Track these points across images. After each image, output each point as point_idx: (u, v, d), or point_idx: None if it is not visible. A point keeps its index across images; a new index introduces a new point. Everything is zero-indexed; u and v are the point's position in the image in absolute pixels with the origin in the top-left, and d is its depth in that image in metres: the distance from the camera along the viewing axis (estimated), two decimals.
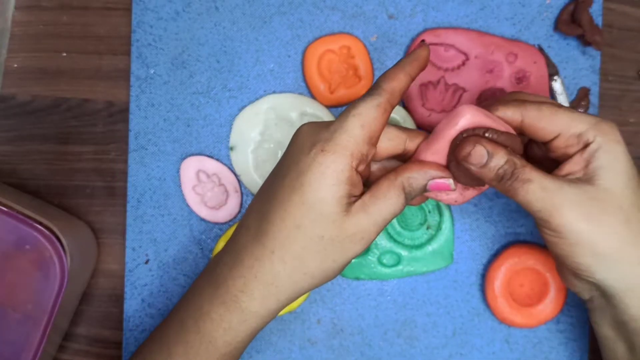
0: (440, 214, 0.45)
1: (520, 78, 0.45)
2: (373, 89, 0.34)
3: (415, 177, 0.34)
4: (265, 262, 0.34)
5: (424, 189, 0.35)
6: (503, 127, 0.35)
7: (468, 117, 0.34)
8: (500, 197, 0.46)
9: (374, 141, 0.34)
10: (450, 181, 0.35)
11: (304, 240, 0.33)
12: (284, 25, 0.46)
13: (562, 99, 0.45)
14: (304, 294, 0.35)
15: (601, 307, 0.37)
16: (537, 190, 0.33)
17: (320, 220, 0.33)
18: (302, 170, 0.33)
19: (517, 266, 0.45)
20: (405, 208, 0.45)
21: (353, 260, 0.45)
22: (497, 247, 0.46)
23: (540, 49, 0.46)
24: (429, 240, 0.45)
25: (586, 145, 0.34)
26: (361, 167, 0.34)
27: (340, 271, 0.35)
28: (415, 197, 0.35)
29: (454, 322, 0.46)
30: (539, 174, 0.34)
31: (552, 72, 0.46)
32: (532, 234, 0.46)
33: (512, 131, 0.35)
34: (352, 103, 0.34)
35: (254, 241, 0.34)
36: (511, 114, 0.35)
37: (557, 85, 0.46)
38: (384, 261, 0.45)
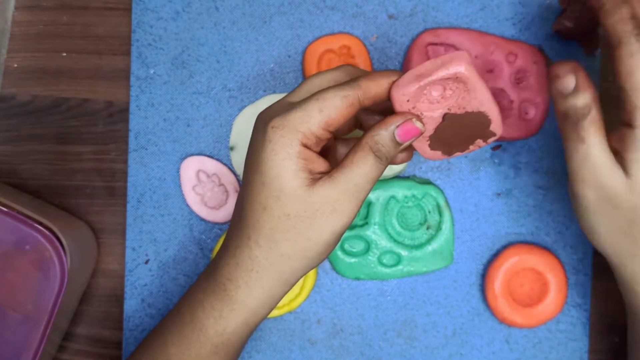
0: (440, 214, 0.45)
1: (520, 78, 0.45)
2: (349, 81, 0.33)
3: (378, 133, 0.33)
4: (245, 249, 0.34)
5: (395, 142, 0.33)
6: (485, 90, 0.33)
7: (463, 66, 0.32)
8: (500, 197, 0.46)
9: (331, 128, 0.33)
10: (416, 121, 0.33)
11: (272, 220, 0.33)
12: (284, 25, 0.46)
13: None
14: (290, 279, 0.35)
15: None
16: (581, 154, 0.34)
17: (282, 198, 0.32)
18: (257, 152, 0.33)
19: (517, 266, 0.45)
20: (405, 206, 0.45)
21: (353, 261, 0.45)
22: (497, 247, 0.46)
23: (540, 49, 0.46)
24: (429, 240, 0.45)
25: (630, 125, 0.33)
26: (314, 147, 0.33)
27: (323, 251, 0.34)
28: (392, 155, 0.34)
29: (454, 322, 0.46)
30: (594, 141, 0.33)
31: None
32: (532, 234, 0.46)
33: (492, 100, 0.34)
34: (323, 89, 0.33)
35: (236, 230, 0.35)
36: (614, 32, 0.33)
37: None
38: (384, 261, 0.45)
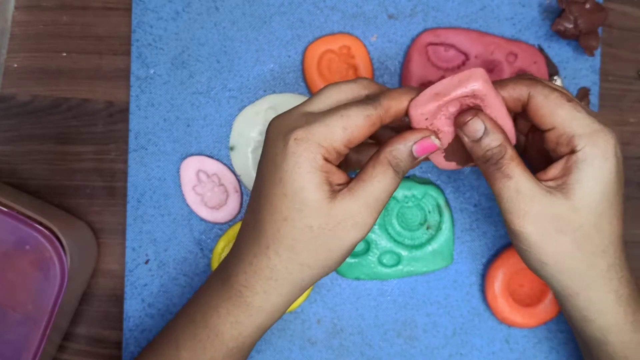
0: (440, 214, 0.45)
1: None
2: (372, 100, 0.34)
3: (397, 148, 0.34)
4: (262, 257, 0.34)
5: (412, 157, 0.34)
6: (501, 106, 0.34)
7: (480, 83, 0.33)
8: None
9: (351, 145, 0.34)
10: (434, 138, 0.34)
11: (294, 231, 0.33)
12: (284, 25, 0.46)
13: None
14: (307, 286, 0.35)
15: None
16: (511, 189, 0.33)
17: (305, 210, 0.33)
18: (278, 163, 0.33)
19: (517, 266, 0.45)
20: (405, 206, 0.45)
21: (353, 261, 0.45)
22: (497, 247, 0.46)
23: (540, 49, 0.46)
24: (429, 240, 0.45)
25: (573, 152, 0.33)
26: (334, 161, 0.34)
27: (342, 260, 0.35)
28: (408, 168, 0.34)
29: (454, 322, 0.46)
30: (520, 174, 0.33)
31: (552, 72, 0.46)
32: None
33: (507, 115, 0.34)
34: (345, 104, 0.34)
35: (252, 238, 0.35)
36: (520, 91, 0.34)
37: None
38: (384, 261, 0.45)
